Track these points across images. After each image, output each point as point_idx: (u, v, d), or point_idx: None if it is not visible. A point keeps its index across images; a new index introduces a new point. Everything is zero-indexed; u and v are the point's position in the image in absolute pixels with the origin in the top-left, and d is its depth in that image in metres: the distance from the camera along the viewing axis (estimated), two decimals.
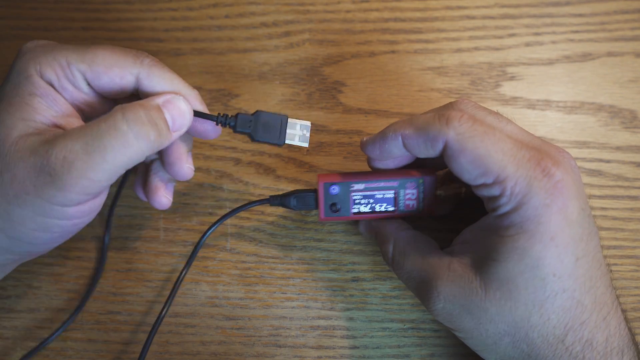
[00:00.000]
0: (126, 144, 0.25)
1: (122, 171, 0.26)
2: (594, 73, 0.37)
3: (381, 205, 0.31)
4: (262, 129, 0.30)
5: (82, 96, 0.28)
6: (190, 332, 0.35)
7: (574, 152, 0.36)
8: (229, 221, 0.36)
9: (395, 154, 0.29)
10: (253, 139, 0.30)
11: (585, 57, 0.37)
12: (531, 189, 0.25)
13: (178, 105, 0.27)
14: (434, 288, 0.27)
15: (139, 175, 0.33)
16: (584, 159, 0.36)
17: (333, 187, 0.31)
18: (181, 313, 0.35)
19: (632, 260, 0.35)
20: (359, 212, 0.31)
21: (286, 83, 0.38)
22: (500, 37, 0.37)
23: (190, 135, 0.31)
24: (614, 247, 0.35)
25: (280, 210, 0.36)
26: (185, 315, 0.35)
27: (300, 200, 0.32)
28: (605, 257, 0.27)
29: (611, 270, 0.30)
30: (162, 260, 0.35)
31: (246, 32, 0.38)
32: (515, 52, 0.37)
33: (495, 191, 0.26)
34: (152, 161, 0.32)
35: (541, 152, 0.26)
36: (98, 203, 0.27)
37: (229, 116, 0.30)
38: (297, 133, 0.30)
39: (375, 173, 0.31)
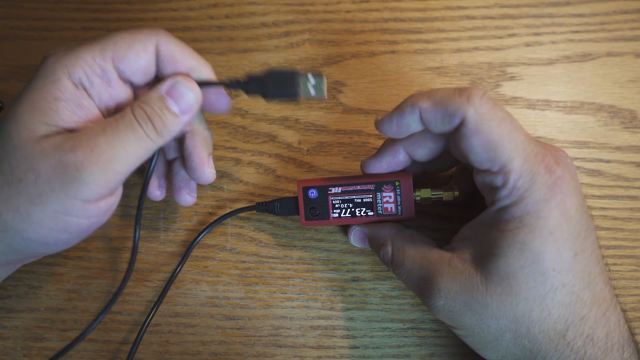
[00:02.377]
0: (141, 138, 0.27)
1: (140, 163, 0.27)
2: (593, 73, 0.37)
3: (360, 210, 0.31)
4: (274, 87, 0.29)
5: (110, 92, 0.28)
6: (190, 332, 0.35)
7: (574, 152, 0.36)
8: (229, 221, 0.36)
9: (413, 128, 0.28)
10: (266, 98, 0.29)
11: (585, 57, 0.37)
12: (533, 184, 0.25)
13: (181, 91, 0.28)
14: (435, 285, 0.27)
15: (154, 176, 0.33)
16: (583, 159, 0.36)
17: (311, 191, 0.32)
18: (181, 313, 0.35)
19: (632, 260, 0.35)
20: (339, 217, 0.32)
21: None
22: (500, 37, 0.37)
23: (210, 139, 0.32)
24: (614, 247, 0.35)
25: None
26: (185, 315, 0.35)
27: (283, 206, 0.33)
28: (603, 255, 0.27)
29: (610, 270, 0.30)
30: (162, 260, 0.35)
31: (246, 32, 0.38)
32: (515, 52, 0.37)
33: (498, 181, 0.26)
34: (173, 160, 0.33)
35: (545, 148, 0.26)
36: (114, 201, 0.28)
37: (240, 81, 0.29)
38: (312, 85, 0.29)
39: (353, 177, 0.32)
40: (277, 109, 0.37)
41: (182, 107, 0.28)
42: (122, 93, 0.29)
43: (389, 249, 0.30)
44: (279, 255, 0.35)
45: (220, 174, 0.36)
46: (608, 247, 0.35)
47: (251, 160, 0.37)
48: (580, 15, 0.37)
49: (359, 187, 0.31)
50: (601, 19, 0.37)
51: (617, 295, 0.27)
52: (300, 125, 0.37)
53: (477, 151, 0.26)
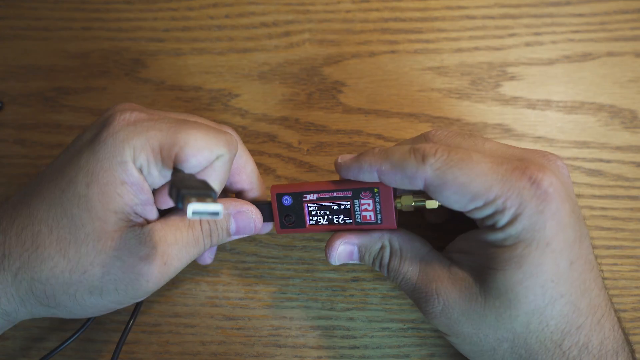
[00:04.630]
0: (199, 248, 0.29)
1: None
2: (594, 73, 0.37)
3: (338, 217, 0.30)
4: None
5: (161, 180, 0.27)
6: (190, 332, 0.35)
7: (574, 152, 0.36)
8: None
9: (372, 180, 0.28)
10: None
11: (586, 57, 0.37)
12: (523, 200, 0.25)
13: (246, 220, 0.30)
14: (434, 290, 0.27)
15: None
16: (584, 159, 0.36)
17: (285, 198, 0.30)
18: (181, 313, 0.35)
19: (632, 260, 0.35)
20: (316, 225, 0.30)
21: (286, 83, 0.38)
22: (501, 37, 0.37)
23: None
24: (614, 247, 0.35)
25: None
26: (185, 315, 0.35)
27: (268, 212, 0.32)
28: (596, 258, 0.27)
29: (602, 271, 0.30)
30: None
31: (246, 32, 0.38)
32: (515, 52, 0.37)
33: (488, 211, 0.25)
34: None
35: (524, 161, 0.26)
36: None
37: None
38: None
39: (329, 183, 0.30)
40: (276, 108, 0.37)
41: (240, 231, 0.30)
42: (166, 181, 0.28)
43: (387, 252, 0.30)
44: (279, 255, 0.35)
45: None
46: (608, 247, 0.35)
47: None
48: (580, 15, 0.37)
49: (335, 194, 0.29)
50: (601, 18, 0.37)
51: (612, 297, 0.28)
52: (300, 125, 0.37)
53: (455, 199, 0.26)
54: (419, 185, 0.26)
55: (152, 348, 0.34)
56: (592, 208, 0.35)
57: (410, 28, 0.38)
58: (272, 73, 0.38)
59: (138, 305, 0.33)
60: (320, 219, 0.30)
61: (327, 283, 0.35)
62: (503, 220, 0.25)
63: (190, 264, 0.34)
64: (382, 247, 0.30)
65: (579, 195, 0.35)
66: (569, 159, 0.36)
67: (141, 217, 0.27)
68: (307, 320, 0.35)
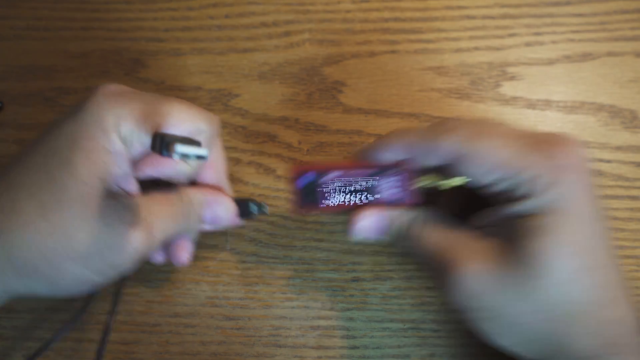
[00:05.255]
0: (177, 229, 0.29)
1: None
2: (594, 73, 0.37)
3: (361, 195, 0.29)
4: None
5: (141, 152, 0.27)
6: (190, 332, 0.35)
7: None
8: None
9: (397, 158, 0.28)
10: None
11: (586, 57, 0.37)
12: (550, 169, 0.25)
13: (223, 208, 0.31)
14: (464, 260, 0.26)
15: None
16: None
17: (306, 175, 0.29)
18: (181, 313, 0.35)
19: (632, 260, 0.35)
20: (338, 204, 0.30)
21: (286, 83, 0.38)
22: (501, 37, 0.37)
23: (195, 235, 0.32)
24: (614, 247, 0.35)
25: (280, 210, 0.36)
26: (185, 315, 0.35)
27: (240, 208, 0.33)
28: None
29: None
30: None
31: (246, 32, 0.38)
32: (515, 52, 0.37)
33: (514, 182, 0.25)
34: None
35: (538, 136, 0.26)
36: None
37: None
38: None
39: (352, 162, 0.30)
40: (277, 108, 0.37)
41: (214, 220, 0.31)
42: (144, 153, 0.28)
43: (416, 220, 0.29)
44: (279, 255, 0.35)
45: None
46: None
47: (251, 160, 0.37)
48: (580, 15, 0.37)
49: (358, 172, 0.29)
50: (601, 18, 0.37)
51: None
52: (300, 125, 0.37)
53: (480, 169, 0.26)
54: (443, 157, 0.26)
55: (152, 348, 0.34)
56: None
57: (410, 28, 0.38)
58: (272, 73, 0.38)
59: (119, 290, 0.32)
60: (343, 197, 0.30)
61: (327, 283, 0.35)
62: (533, 190, 0.25)
63: (190, 264, 0.34)
64: (411, 217, 0.29)
65: None
66: None
67: (122, 189, 0.27)
68: (307, 320, 0.35)
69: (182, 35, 0.38)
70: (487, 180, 0.26)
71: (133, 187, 0.28)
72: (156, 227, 0.27)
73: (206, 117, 0.28)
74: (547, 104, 0.37)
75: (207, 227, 0.32)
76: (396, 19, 0.38)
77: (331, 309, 0.35)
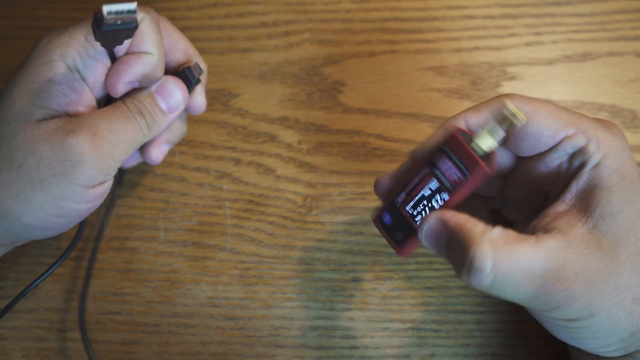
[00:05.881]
0: (135, 130, 0.28)
1: (131, 152, 0.29)
2: (594, 73, 0.37)
3: (436, 199, 0.26)
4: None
5: (103, 74, 0.28)
6: (190, 332, 0.35)
7: None
8: (229, 221, 0.36)
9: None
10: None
11: (586, 56, 0.37)
12: (607, 137, 0.25)
13: (169, 89, 0.30)
14: (568, 272, 0.22)
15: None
16: None
17: (384, 216, 0.27)
18: (181, 313, 0.35)
19: None
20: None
21: (286, 83, 0.38)
22: (501, 37, 0.37)
23: (177, 132, 0.33)
24: None
25: (280, 210, 0.36)
26: (185, 315, 0.35)
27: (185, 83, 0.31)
28: None
29: None
30: (162, 260, 0.35)
31: (246, 31, 0.38)
32: (515, 51, 0.37)
33: (580, 141, 0.25)
34: None
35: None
36: (107, 186, 0.29)
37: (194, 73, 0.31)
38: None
39: (402, 175, 0.27)
40: (277, 108, 0.37)
41: (170, 105, 0.30)
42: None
43: (488, 249, 0.22)
44: (279, 255, 0.35)
45: (220, 174, 0.36)
46: None
47: (251, 160, 0.37)
48: (580, 15, 0.37)
49: (416, 179, 0.26)
50: (602, 18, 0.37)
51: None
52: (300, 125, 0.37)
53: (546, 123, 0.25)
54: (504, 117, 0.24)
55: (152, 348, 0.34)
56: None
57: (410, 28, 0.38)
58: (272, 73, 0.38)
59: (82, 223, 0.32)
60: (423, 212, 0.26)
61: (327, 283, 0.35)
62: (598, 153, 0.24)
63: (190, 265, 0.34)
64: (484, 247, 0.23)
65: None
66: None
67: (75, 111, 0.27)
68: (307, 320, 0.35)
69: None
70: (554, 136, 0.25)
71: (89, 108, 0.28)
72: (103, 128, 0.27)
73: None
74: None
75: (172, 115, 0.30)
76: (396, 19, 0.38)
77: (331, 309, 0.35)
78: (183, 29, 0.38)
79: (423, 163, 0.26)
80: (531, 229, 0.25)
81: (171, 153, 0.37)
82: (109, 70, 0.28)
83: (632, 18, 0.37)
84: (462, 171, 0.25)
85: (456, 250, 0.23)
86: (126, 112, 0.28)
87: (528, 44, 0.37)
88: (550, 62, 0.37)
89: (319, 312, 0.35)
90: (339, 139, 0.37)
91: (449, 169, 0.25)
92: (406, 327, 0.34)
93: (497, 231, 0.23)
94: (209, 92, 0.38)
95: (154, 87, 0.29)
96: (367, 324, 0.34)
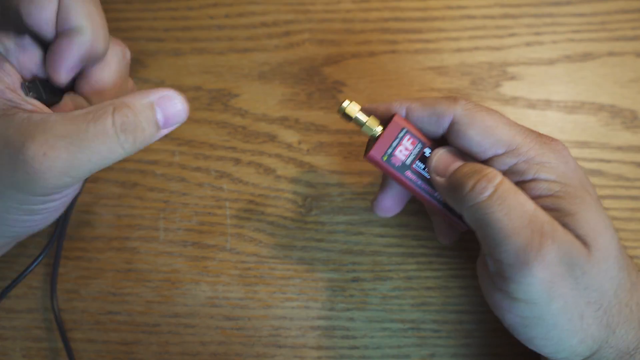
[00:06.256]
0: (113, 150, 0.24)
1: (103, 167, 0.25)
2: (594, 73, 0.37)
3: (434, 191, 0.28)
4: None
5: (28, 55, 0.26)
6: (190, 333, 0.35)
7: (575, 152, 0.36)
8: (229, 221, 0.36)
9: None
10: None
11: (586, 56, 0.37)
12: (544, 152, 0.25)
13: (174, 104, 0.25)
14: (546, 245, 0.23)
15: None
16: (584, 159, 0.36)
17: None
18: (181, 313, 0.35)
19: (632, 260, 0.35)
20: (411, 181, 0.28)
21: (286, 83, 0.38)
22: (501, 37, 0.37)
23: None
24: None
25: (280, 210, 0.36)
26: (185, 315, 0.35)
27: None
28: None
29: None
30: (162, 261, 0.35)
31: (246, 31, 0.38)
32: (515, 51, 0.37)
33: (509, 160, 0.26)
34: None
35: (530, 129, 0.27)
36: (77, 186, 0.27)
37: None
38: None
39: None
40: (276, 108, 0.37)
41: (169, 122, 0.25)
42: (39, 52, 0.26)
43: (498, 176, 0.25)
44: (279, 255, 0.35)
45: (220, 174, 0.36)
46: None
47: (251, 160, 0.37)
48: (581, 15, 0.37)
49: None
50: (602, 18, 0.37)
51: None
52: (300, 125, 0.37)
53: (478, 140, 0.26)
54: (444, 124, 0.27)
55: (152, 348, 0.34)
56: None
57: (410, 28, 0.38)
58: (272, 73, 0.38)
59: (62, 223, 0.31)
60: (419, 176, 0.28)
61: (327, 283, 0.35)
62: (530, 172, 0.25)
63: (190, 265, 0.34)
64: (495, 175, 0.25)
65: None
66: None
67: (24, 104, 0.24)
68: (307, 320, 0.35)
69: (181, 35, 0.38)
70: (484, 153, 0.26)
71: (37, 100, 0.25)
72: (71, 166, 0.23)
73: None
74: (547, 104, 0.36)
75: (164, 130, 0.26)
76: (396, 19, 0.38)
77: (331, 309, 0.35)
78: (183, 29, 0.38)
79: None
80: None
81: (171, 153, 0.37)
82: (47, 60, 0.25)
83: (632, 18, 0.37)
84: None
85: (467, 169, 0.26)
86: (107, 128, 0.23)
87: (528, 44, 0.37)
88: (550, 62, 0.37)
89: (319, 312, 0.35)
90: (339, 139, 0.37)
91: (408, 146, 0.28)
92: (406, 327, 0.34)
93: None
94: (209, 92, 0.38)
95: (154, 96, 0.25)
96: (367, 324, 0.34)
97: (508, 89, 0.37)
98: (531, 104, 0.36)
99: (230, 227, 0.36)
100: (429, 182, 0.28)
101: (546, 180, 0.25)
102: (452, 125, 0.26)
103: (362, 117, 0.28)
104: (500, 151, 0.26)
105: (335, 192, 0.36)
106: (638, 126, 0.36)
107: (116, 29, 0.39)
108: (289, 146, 0.37)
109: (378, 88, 0.37)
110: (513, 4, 0.38)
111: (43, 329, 0.35)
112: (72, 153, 0.23)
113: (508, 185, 0.24)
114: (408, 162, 0.28)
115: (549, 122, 0.36)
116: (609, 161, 0.36)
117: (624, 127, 0.36)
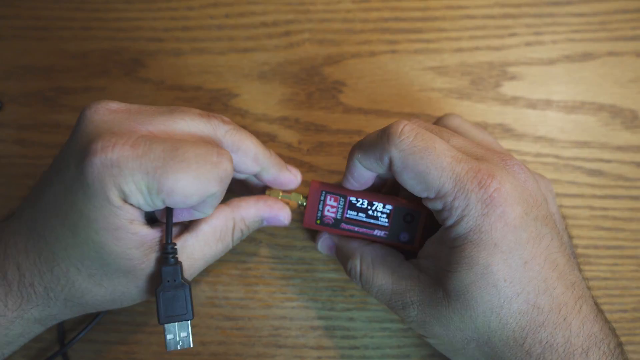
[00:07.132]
0: (227, 248, 0.31)
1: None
2: (594, 73, 0.37)
3: (372, 230, 0.31)
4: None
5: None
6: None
7: (575, 152, 0.36)
8: None
9: (366, 176, 0.30)
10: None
11: (586, 56, 0.37)
12: (469, 202, 0.25)
13: (279, 220, 0.32)
14: (408, 298, 0.28)
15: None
16: (584, 159, 0.36)
17: (329, 196, 0.31)
18: None
19: (632, 260, 0.35)
20: (349, 231, 0.31)
21: (286, 83, 0.38)
22: (501, 37, 0.37)
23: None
24: (615, 247, 0.35)
25: None
26: None
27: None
28: (573, 257, 0.27)
29: (583, 270, 0.29)
30: None
31: (246, 31, 0.38)
32: (515, 51, 0.37)
33: (437, 205, 0.27)
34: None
35: (481, 162, 0.26)
36: None
37: None
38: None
39: (370, 194, 0.31)
40: (276, 108, 0.37)
41: (270, 224, 0.32)
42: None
43: (357, 263, 0.31)
44: (279, 255, 0.35)
45: None
46: (609, 247, 0.35)
47: None
48: (581, 15, 0.37)
49: (376, 207, 0.31)
50: (602, 18, 0.37)
51: (612, 297, 0.27)
52: (300, 125, 0.37)
53: (411, 184, 0.27)
54: (386, 165, 0.27)
55: (152, 348, 0.34)
56: (592, 208, 0.35)
57: (410, 28, 0.38)
58: (272, 73, 0.38)
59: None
60: (354, 227, 0.31)
61: (327, 283, 0.35)
62: (451, 219, 0.26)
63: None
64: (353, 259, 0.31)
65: (579, 196, 0.35)
66: (569, 158, 0.36)
67: (157, 242, 0.28)
68: (307, 320, 0.35)
69: (182, 35, 0.38)
70: (419, 194, 0.27)
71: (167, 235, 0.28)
72: (198, 267, 0.30)
73: (215, 181, 0.26)
74: (547, 103, 0.36)
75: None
76: (396, 19, 0.38)
77: (331, 309, 0.35)
78: (183, 29, 0.38)
79: (393, 201, 0.31)
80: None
81: None
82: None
83: (632, 18, 0.37)
84: (410, 237, 0.31)
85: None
86: (228, 244, 0.31)
87: (528, 44, 0.37)
88: (551, 62, 0.37)
89: (319, 312, 0.35)
90: (339, 139, 0.37)
91: (329, 208, 0.32)
92: (406, 327, 0.34)
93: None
94: (209, 92, 0.38)
95: (266, 214, 0.31)
96: (367, 324, 0.34)
97: (508, 88, 0.37)
98: (531, 104, 0.36)
99: None
100: (365, 224, 0.31)
101: (461, 231, 0.26)
102: (389, 166, 0.27)
103: (286, 195, 0.32)
104: (431, 195, 0.27)
105: None
106: (638, 126, 0.36)
107: (117, 29, 0.39)
108: (289, 146, 0.37)
109: (378, 88, 0.37)
110: (513, 4, 0.38)
111: None
112: (204, 265, 0.30)
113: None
114: (339, 216, 0.31)
115: (549, 122, 0.36)
116: (609, 161, 0.36)
117: (624, 127, 0.36)
